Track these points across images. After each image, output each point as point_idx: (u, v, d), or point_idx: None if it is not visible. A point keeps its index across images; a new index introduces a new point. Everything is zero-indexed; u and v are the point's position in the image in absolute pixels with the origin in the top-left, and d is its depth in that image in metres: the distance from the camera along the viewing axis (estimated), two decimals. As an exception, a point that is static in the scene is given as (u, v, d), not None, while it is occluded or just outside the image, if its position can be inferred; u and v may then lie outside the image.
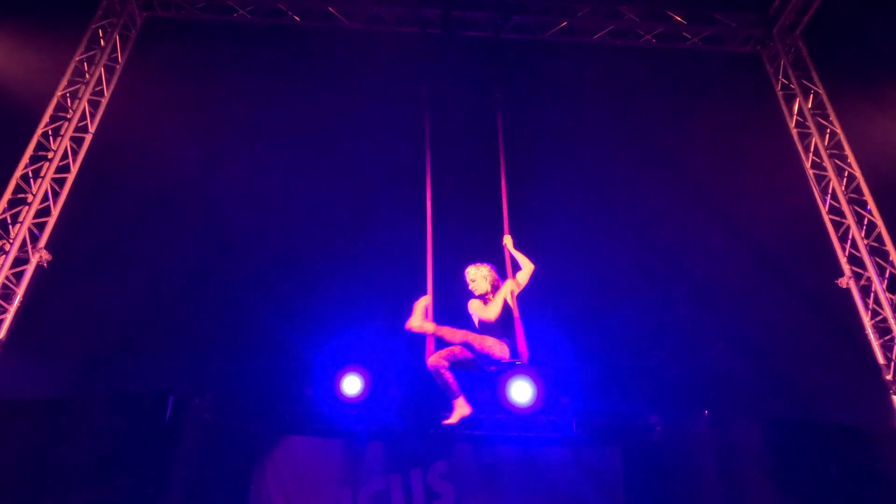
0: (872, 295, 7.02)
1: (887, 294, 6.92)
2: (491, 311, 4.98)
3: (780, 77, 8.37)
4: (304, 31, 8.62)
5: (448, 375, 4.92)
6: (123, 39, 8.23)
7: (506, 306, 5.03)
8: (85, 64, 7.83)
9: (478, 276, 5.29)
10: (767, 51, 8.59)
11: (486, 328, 5.04)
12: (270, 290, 8.59)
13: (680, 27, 8.49)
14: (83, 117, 7.65)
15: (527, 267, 5.40)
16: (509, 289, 5.09)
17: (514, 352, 4.98)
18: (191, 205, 8.65)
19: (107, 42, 8.01)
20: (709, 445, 8.02)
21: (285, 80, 8.85)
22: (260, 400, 8.55)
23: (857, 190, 7.45)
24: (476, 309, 5.09)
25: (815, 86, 8.04)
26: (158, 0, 8.42)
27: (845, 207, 7.42)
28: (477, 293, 5.23)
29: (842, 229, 7.41)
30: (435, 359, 4.85)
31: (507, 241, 5.51)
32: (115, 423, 7.81)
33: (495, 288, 5.24)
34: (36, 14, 7.63)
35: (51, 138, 7.41)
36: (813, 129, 7.90)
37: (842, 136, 7.68)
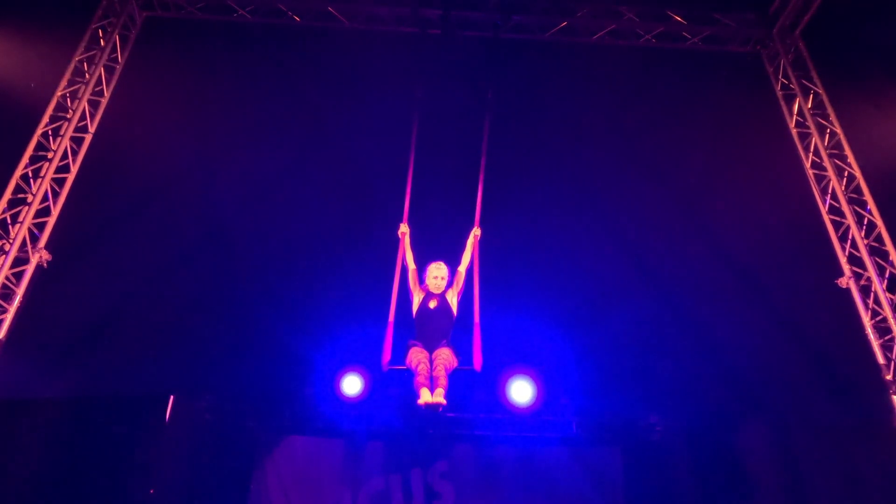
0: (872, 295, 7.01)
1: (887, 294, 6.91)
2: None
3: (780, 77, 8.36)
4: (304, 31, 8.61)
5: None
6: (123, 39, 8.22)
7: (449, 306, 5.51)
8: (85, 64, 7.83)
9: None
10: (767, 51, 8.59)
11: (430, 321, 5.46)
12: (270, 289, 8.58)
13: (680, 27, 8.48)
14: (83, 117, 7.64)
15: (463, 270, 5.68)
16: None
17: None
18: (191, 204, 8.64)
19: (107, 42, 8.00)
20: (708, 445, 8.03)
21: (285, 80, 8.83)
22: (260, 400, 8.55)
23: (857, 190, 7.44)
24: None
25: (815, 86, 8.03)
26: (158, 0, 8.43)
27: (845, 207, 7.41)
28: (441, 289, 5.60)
29: (842, 229, 7.40)
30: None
31: (476, 232, 5.77)
32: (116, 423, 7.83)
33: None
34: (36, 14, 7.61)
35: (51, 138, 7.40)
36: (813, 129, 7.90)
37: (842, 136, 7.67)
